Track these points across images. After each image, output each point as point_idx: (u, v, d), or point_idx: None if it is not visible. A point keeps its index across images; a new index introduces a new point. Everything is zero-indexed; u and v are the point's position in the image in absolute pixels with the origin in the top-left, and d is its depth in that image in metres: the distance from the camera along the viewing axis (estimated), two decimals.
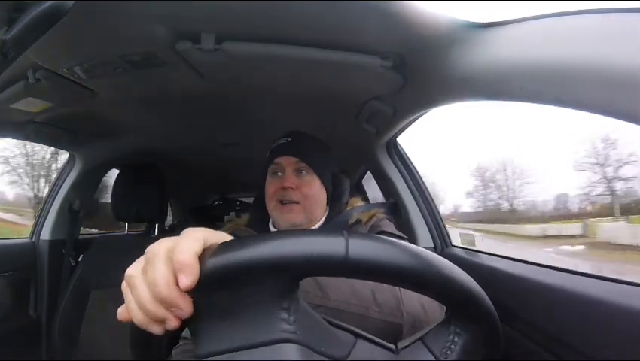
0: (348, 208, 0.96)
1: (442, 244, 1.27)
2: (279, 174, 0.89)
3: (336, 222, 0.90)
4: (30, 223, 1.58)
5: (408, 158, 1.42)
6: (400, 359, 0.36)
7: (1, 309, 1.23)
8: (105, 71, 0.86)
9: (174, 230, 2.81)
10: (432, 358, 0.35)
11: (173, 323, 0.33)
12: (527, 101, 0.62)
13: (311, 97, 1.12)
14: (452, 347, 0.35)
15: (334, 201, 0.94)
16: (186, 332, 0.85)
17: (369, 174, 1.77)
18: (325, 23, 0.71)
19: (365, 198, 1.04)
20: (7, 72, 0.59)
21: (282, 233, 0.33)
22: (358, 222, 0.89)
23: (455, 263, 0.35)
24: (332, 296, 0.53)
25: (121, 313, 0.34)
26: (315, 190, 0.89)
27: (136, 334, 0.36)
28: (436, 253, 0.36)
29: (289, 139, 0.91)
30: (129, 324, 0.36)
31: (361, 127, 1.26)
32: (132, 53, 0.80)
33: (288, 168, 0.88)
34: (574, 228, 1.80)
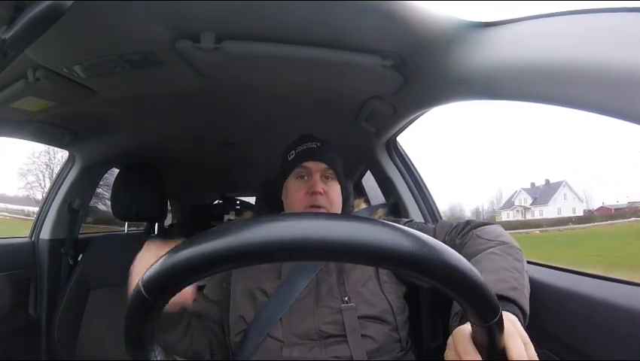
0: (355, 210, 0.96)
1: None
2: (305, 178, 0.88)
3: None
4: None
5: (408, 157, 1.42)
6: None
7: (1, 308, 1.23)
8: (104, 70, 0.86)
9: (173, 229, 2.81)
10: None
11: None
12: (526, 101, 0.62)
13: (310, 96, 1.12)
14: None
15: (343, 204, 0.95)
16: (195, 306, 0.87)
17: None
18: (325, 23, 0.71)
19: (366, 200, 1.04)
20: (7, 71, 0.59)
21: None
22: None
23: None
24: None
25: None
26: (338, 196, 0.90)
27: (133, 312, 0.36)
28: None
29: (318, 144, 0.90)
30: None
31: (360, 126, 1.26)
32: (132, 52, 0.80)
33: (315, 173, 0.87)
34: None
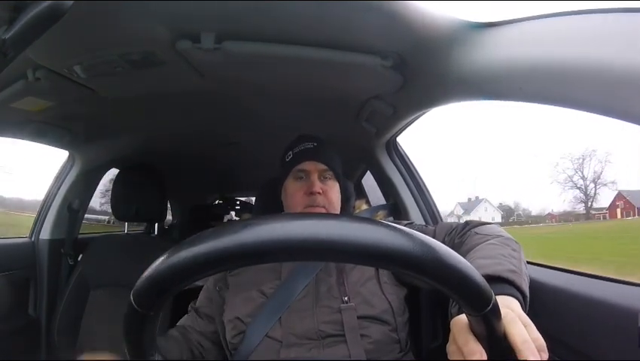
0: (357, 211, 0.96)
1: None
2: (303, 178, 0.88)
3: None
4: None
5: (408, 158, 1.42)
6: None
7: (1, 308, 1.23)
8: (104, 70, 0.86)
9: (173, 229, 2.80)
10: None
11: None
12: (526, 101, 0.62)
13: (311, 96, 1.12)
14: None
15: (343, 205, 0.95)
16: (183, 319, 0.87)
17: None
18: (325, 23, 0.71)
19: (367, 201, 1.05)
20: (7, 71, 0.59)
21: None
22: None
23: None
24: None
25: None
26: (337, 196, 0.90)
27: (129, 323, 0.37)
28: None
29: (314, 144, 0.90)
30: None
31: (360, 126, 1.26)
32: (132, 53, 0.80)
33: (313, 173, 0.87)
34: None
